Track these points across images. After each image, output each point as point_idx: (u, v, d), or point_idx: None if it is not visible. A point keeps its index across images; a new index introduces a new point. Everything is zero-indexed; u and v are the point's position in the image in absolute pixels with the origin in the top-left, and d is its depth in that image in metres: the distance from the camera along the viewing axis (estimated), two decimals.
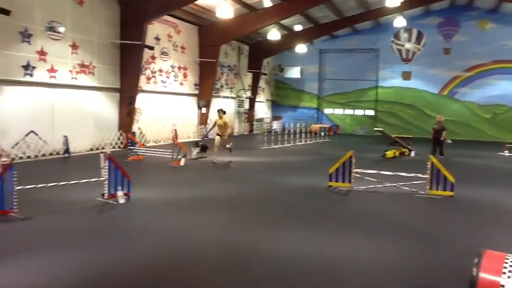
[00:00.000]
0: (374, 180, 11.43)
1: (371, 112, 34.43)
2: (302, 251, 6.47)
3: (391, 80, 33.71)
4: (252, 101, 32.25)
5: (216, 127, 16.14)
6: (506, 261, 4.06)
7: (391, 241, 7.09)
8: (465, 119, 31.87)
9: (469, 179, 13.08)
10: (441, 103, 32.37)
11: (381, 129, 23.36)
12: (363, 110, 34.76)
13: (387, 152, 18.63)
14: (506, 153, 21.13)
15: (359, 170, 11.45)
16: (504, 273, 3.95)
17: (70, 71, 17.16)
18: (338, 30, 32.04)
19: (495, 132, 30.87)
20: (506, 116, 30.94)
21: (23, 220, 7.61)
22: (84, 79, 17.84)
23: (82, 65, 17.66)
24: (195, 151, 16.73)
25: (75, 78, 17.40)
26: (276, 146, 22.07)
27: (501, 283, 3.90)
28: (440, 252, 6.62)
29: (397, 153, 18.91)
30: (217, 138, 15.95)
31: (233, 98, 30.65)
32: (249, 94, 31.87)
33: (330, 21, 29.93)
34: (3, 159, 12.26)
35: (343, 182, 11.28)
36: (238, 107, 31.09)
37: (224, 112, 16.10)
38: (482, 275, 3.99)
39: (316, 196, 10.61)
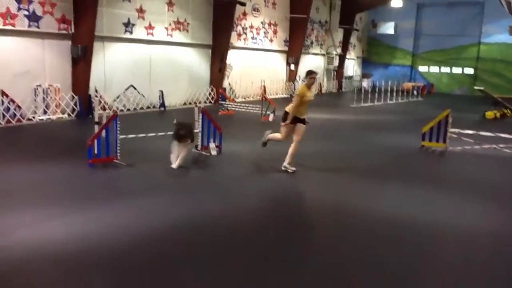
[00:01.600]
0: (472, 141, 10.85)
1: (470, 71, 32.16)
2: (398, 210, 6.37)
3: (496, 35, 30.95)
4: (342, 58, 31.47)
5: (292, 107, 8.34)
6: None
7: (496, 206, 6.73)
8: None
9: None
10: None
11: (482, 88, 21.82)
12: (461, 68, 32.56)
13: (487, 113, 17.50)
14: None
15: (455, 130, 10.90)
16: None
17: (166, 28, 17.81)
18: None
19: None
20: None
21: (127, 166, 8.25)
22: (179, 36, 18.44)
23: (177, 22, 18.23)
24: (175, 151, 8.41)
25: (171, 35, 18.04)
26: (365, 105, 21.53)
27: None
28: None
29: (498, 114, 17.66)
30: (300, 127, 8.56)
31: (322, 55, 30.10)
32: (339, 51, 31.09)
33: None
34: (107, 111, 13.23)
35: (437, 142, 10.83)
36: (328, 64, 30.54)
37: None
38: None
39: (409, 155, 10.33)
